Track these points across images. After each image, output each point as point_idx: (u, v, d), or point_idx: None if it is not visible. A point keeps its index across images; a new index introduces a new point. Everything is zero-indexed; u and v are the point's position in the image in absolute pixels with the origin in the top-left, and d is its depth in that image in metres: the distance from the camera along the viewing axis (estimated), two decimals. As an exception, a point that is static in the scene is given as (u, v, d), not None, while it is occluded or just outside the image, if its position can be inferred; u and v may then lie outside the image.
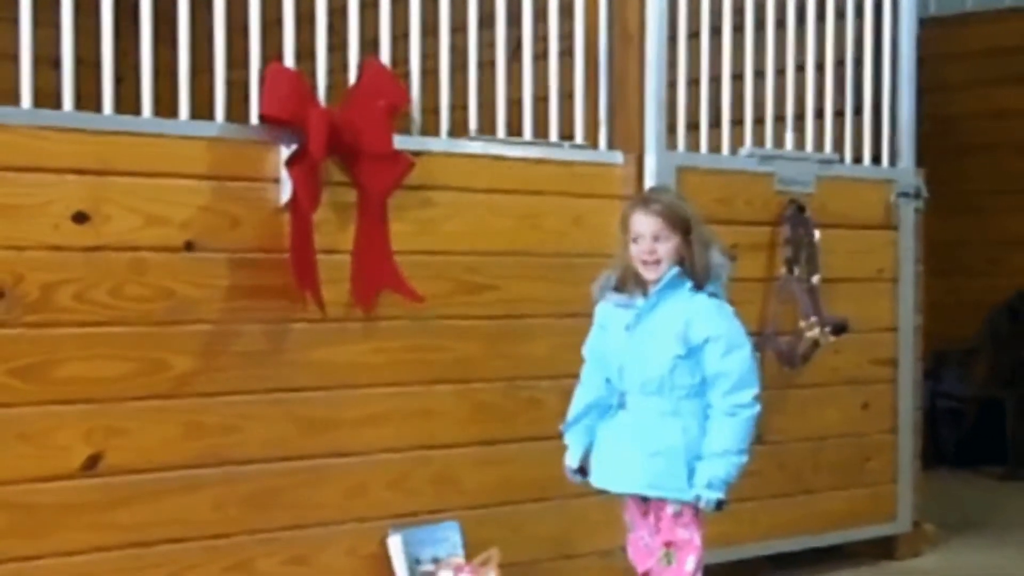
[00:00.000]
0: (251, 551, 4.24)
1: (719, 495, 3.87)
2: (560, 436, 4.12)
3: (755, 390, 3.90)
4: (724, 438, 3.86)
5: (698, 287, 3.91)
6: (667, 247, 3.89)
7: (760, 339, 5.23)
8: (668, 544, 3.95)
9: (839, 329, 5.41)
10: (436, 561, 4.49)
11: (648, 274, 3.91)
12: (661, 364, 3.88)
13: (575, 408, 4.08)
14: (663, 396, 3.89)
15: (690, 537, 3.95)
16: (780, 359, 5.39)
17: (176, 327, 4.09)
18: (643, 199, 4.06)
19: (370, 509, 4.48)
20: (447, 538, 4.55)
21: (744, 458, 3.89)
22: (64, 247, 3.89)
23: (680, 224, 3.90)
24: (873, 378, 5.84)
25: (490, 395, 4.75)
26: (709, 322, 3.89)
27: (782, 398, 5.40)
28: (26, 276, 3.83)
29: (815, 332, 5.37)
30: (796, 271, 5.42)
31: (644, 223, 3.91)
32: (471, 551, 4.55)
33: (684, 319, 3.88)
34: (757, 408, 3.91)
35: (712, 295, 3.94)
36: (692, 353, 3.88)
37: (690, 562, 3.95)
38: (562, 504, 4.83)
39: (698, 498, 3.87)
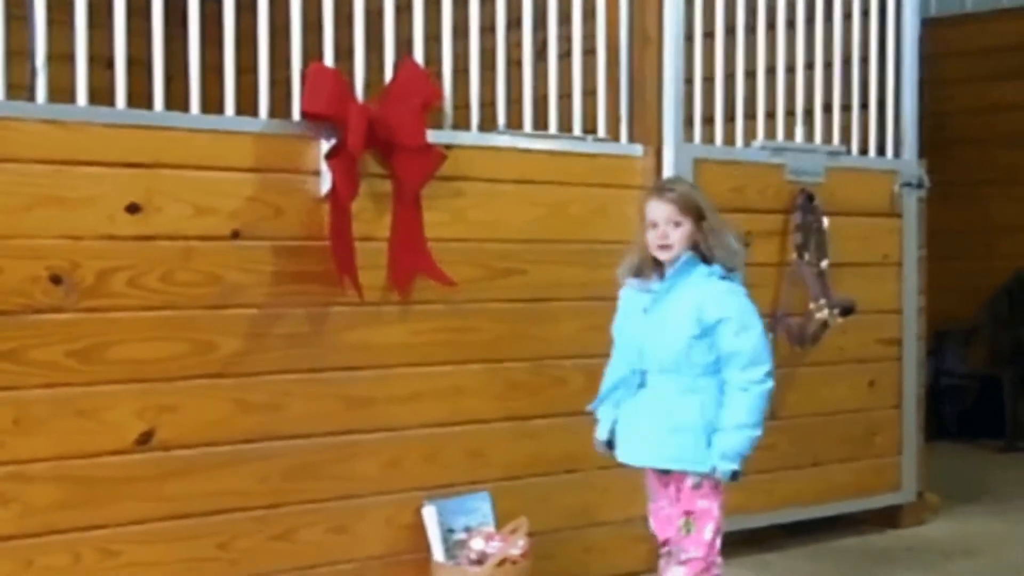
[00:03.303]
0: (295, 521, 4.22)
1: (734, 466, 3.82)
2: (585, 413, 4.09)
3: (767, 367, 3.84)
4: (738, 412, 3.81)
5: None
6: (679, 233, 3.85)
7: (772, 320, 5.20)
8: (688, 513, 3.90)
9: (847, 311, 5.38)
10: (468, 530, 4.46)
11: (662, 256, 3.87)
12: (677, 343, 3.83)
13: (604, 386, 4.03)
14: (681, 374, 3.84)
15: (709, 507, 3.89)
16: (791, 339, 5.35)
17: (223, 311, 4.07)
18: (658, 188, 4.02)
19: (406, 481, 4.45)
20: (478, 508, 4.52)
21: (758, 431, 3.83)
22: (118, 236, 3.87)
23: (692, 211, 3.85)
24: (879, 357, 5.80)
25: (518, 374, 4.71)
26: (721, 303, 3.83)
27: (793, 376, 5.36)
28: (82, 264, 3.80)
29: (824, 313, 5.35)
30: (806, 256, 5.39)
31: (659, 210, 3.87)
32: (501, 520, 4.52)
33: (698, 301, 3.82)
34: (770, 384, 3.84)
35: (725, 278, 3.89)
36: (706, 333, 3.82)
37: (708, 531, 3.90)
38: (587, 476, 4.80)
39: (714, 469, 3.82)
